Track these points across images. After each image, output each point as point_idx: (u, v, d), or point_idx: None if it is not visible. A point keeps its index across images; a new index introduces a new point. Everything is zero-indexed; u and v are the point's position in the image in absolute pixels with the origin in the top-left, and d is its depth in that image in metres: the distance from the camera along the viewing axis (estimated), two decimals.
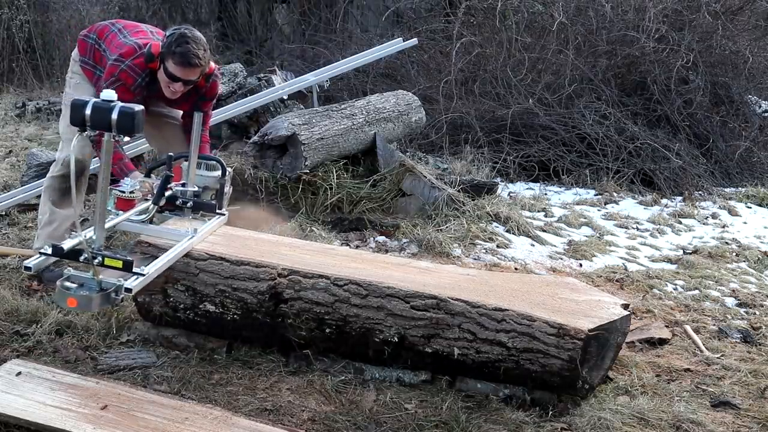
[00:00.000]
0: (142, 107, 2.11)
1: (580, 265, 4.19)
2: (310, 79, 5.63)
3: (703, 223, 5.40)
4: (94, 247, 2.20)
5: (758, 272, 4.37)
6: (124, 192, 2.68)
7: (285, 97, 5.57)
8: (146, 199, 2.72)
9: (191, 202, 2.83)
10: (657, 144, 6.33)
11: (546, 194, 5.76)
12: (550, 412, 2.45)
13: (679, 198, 5.97)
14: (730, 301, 3.80)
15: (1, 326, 2.78)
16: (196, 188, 2.87)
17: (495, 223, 4.52)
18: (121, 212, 2.64)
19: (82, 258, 2.18)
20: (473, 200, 4.74)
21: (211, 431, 2.16)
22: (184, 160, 2.91)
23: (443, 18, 8.09)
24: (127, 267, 2.19)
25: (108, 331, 2.80)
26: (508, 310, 2.46)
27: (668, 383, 2.77)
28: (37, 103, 7.47)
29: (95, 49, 3.26)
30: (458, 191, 4.71)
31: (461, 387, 2.57)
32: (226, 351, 2.69)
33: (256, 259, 2.62)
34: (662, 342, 3.14)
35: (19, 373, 2.36)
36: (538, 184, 5.99)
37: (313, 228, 4.02)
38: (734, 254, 4.65)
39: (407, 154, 5.44)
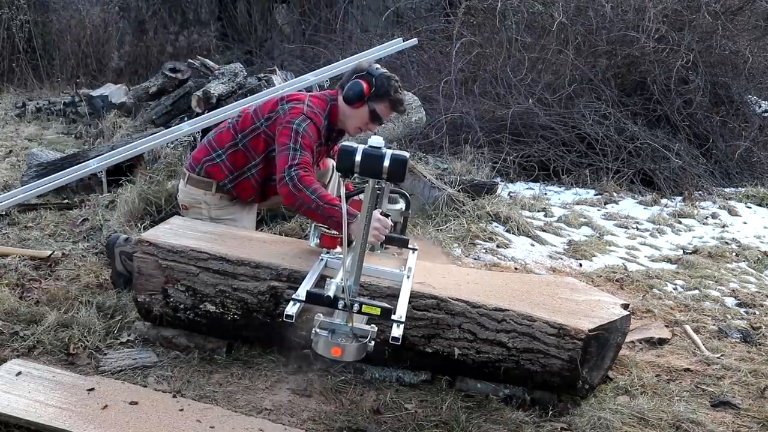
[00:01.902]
0: (408, 154, 2.11)
1: (580, 265, 4.19)
2: (310, 79, 5.62)
3: (703, 223, 5.40)
4: (351, 294, 2.17)
5: (758, 272, 4.37)
6: (329, 229, 2.69)
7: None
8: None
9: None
10: (657, 144, 6.33)
11: (546, 194, 5.76)
12: (550, 412, 2.45)
13: (679, 198, 5.98)
14: (730, 301, 3.81)
15: (1, 326, 2.78)
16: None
17: (495, 223, 4.52)
18: (325, 249, 2.66)
19: (340, 305, 2.14)
20: (473, 200, 4.74)
21: (212, 431, 2.16)
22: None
23: (443, 18, 8.10)
24: (386, 315, 2.15)
25: (108, 331, 2.80)
26: (508, 310, 2.46)
27: (668, 383, 2.77)
28: (37, 103, 7.48)
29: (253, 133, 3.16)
30: (458, 191, 4.71)
31: (461, 387, 2.57)
32: (226, 351, 2.69)
33: (256, 259, 2.62)
34: (662, 342, 3.14)
35: (19, 373, 2.36)
36: (538, 184, 6.00)
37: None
38: (734, 254, 4.65)
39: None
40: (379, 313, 2.13)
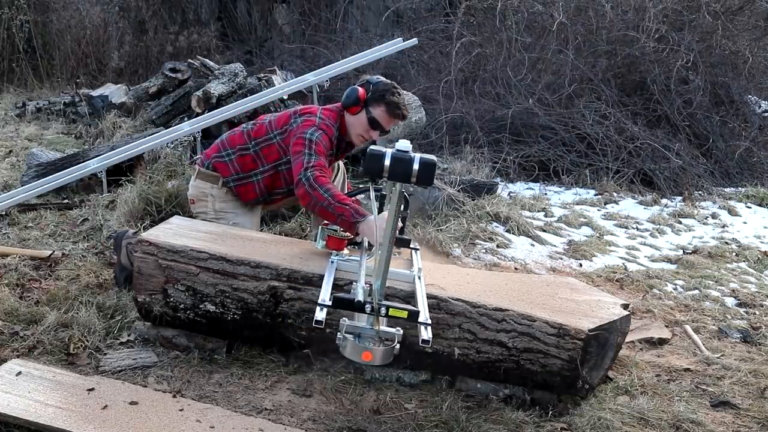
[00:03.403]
0: (436, 158, 2.09)
1: (580, 265, 4.19)
2: (310, 79, 5.63)
3: (703, 223, 5.40)
4: (378, 297, 2.17)
5: (758, 272, 4.37)
6: (336, 231, 2.70)
7: (285, 97, 5.57)
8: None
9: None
10: (657, 144, 6.33)
11: (546, 194, 5.76)
12: (550, 412, 2.45)
13: (679, 198, 5.98)
14: (730, 301, 3.80)
15: (1, 326, 2.78)
16: None
17: (495, 223, 4.52)
18: (334, 250, 2.67)
19: (367, 309, 2.13)
20: (473, 200, 4.74)
21: (212, 431, 2.16)
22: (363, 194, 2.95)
23: (443, 18, 8.09)
24: (413, 317, 2.14)
25: (108, 331, 2.80)
26: (508, 310, 2.46)
27: (668, 383, 2.77)
28: (37, 103, 7.47)
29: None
30: (458, 191, 4.71)
31: (461, 387, 2.57)
32: (226, 351, 2.69)
33: (256, 259, 2.62)
34: (662, 342, 3.14)
35: (19, 373, 2.37)
36: (538, 184, 6.00)
37: (313, 228, 4.02)
38: (734, 254, 4.65)
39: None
40: (406, 316, 2.13)
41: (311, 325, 2.48)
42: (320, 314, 2.18)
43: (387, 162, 2.01)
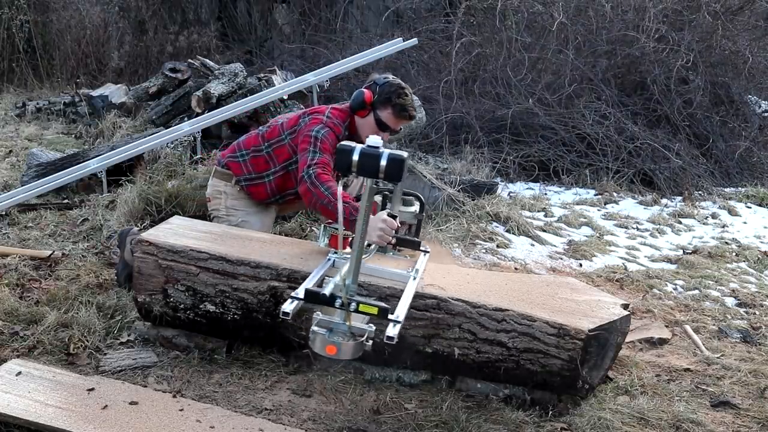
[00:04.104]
0: (407, 153, 2.10)
1: (580, 265, 4.19)
2: (310, 79, 5.63)
3: (703, 223, 5.40)
4: (349, 292, 2.16)
5: (758, 272, 4.37)
6: (338, 229, 2.67)
7: (285, 97, 5.57)
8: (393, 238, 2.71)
9: (394, 239, 2.77)
10: (657, 144, 6.33)
11: (546, 194, 5.76)
12: (550, 412, 2.45)
13: (679, 198, 5.98)
14: (730, 301, 3.80)
15: (1, 326, 2.78)
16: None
17: (495, 223, 4.53)
18: (334, 249, 2.67)
19: (337, 303, 2.13)
20: (473, 200, 4.75)
21: (212, 431, 2.16)
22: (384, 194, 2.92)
23: (443, 18, 8.10)
24: (383, 314, 2.13)
25: (108, 331, 2.80)
26: (508, 310, 2.46)
27: (668, 383, 2.77)
28: (37, 103, 7.47)
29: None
30: (458, 191, 4.71)
31: (461, 387, 2.57)
32: (226, 351, 2.69)
33: (256, 259, 2.62)
34: (662, 342, 3.14)
35: (19, 373, 2.37)
36: (538, 184, 6.00)
37: (313, 228, 4.02)
38: (734, 254, 4.65)
39: (409, 155, 5.43)
40: (376, 313, 2.12)
41: (311, 324, 2.48)
42: (288, 306, 2.19)
43: (355, 157, 2.03)
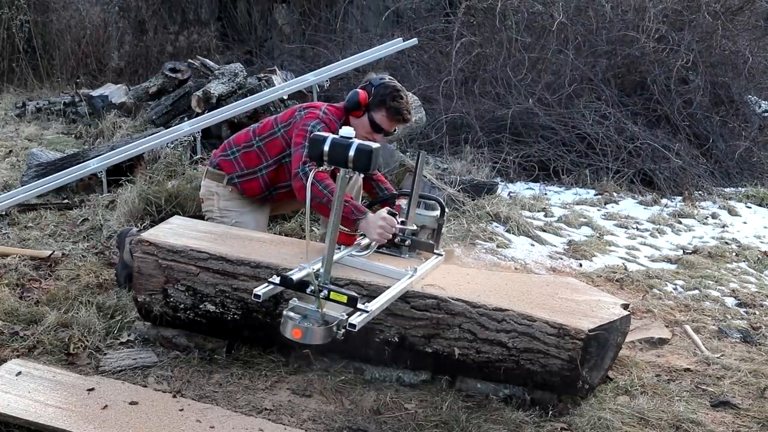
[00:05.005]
0: (378, 145, 2.13)
1: (580, 265, 4.19)
2: (310, 79, 5.63)
3: (703, 223, 5.40)
4: (322, 280, 2.19)
5: (758, 272, 4.37)
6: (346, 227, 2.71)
7: (285, 97, 5.57)
8: (394, 236, 2.74)
9: (409, 241, 2.81)
10: (657, 144, 6.33)
11: (546, 194, 5.76)
12: (550, 412, 2.45)
13: (679, 198, 5.98)
14: (730, 301, 3.80)
15: (1, 326, 2.78)
16: (415, 227, 2.84)
17: (495, 223, 4.53)
18: (343, 246, 2.69)
19: (308, 290, 2.17)
20: (473, 200, 4.75)
21: (212, 431, 2.16)
22: (404, 198, 2.94)
23: (443, 18, 8.10)
24: (352, 302, 2.16)
25: (108, 331, 2.80)
26: (508, 310, 2.46)
27: (668, 383, 2.77)
28: (37, 103, 7.47)
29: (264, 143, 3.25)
30: (458, 191, 4.71)
31: (461, 387, 2.57)
32: (226, 351, 2.69)
33: (256, 259, 2.62)
34: (662, 342, 3.14)
35: (19, 373, 2.37)
36: (538, 184, 6.00)
37: (313, 228, 4.02)
38: (734, 254, 4.65)
39: (407, 154, 5.44)
40: (345, 301, 2.15)
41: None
42: (261, 289, 2.25)
43: (326, 147, 2.10)
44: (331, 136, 2.11)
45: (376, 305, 2.27)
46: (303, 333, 2.13)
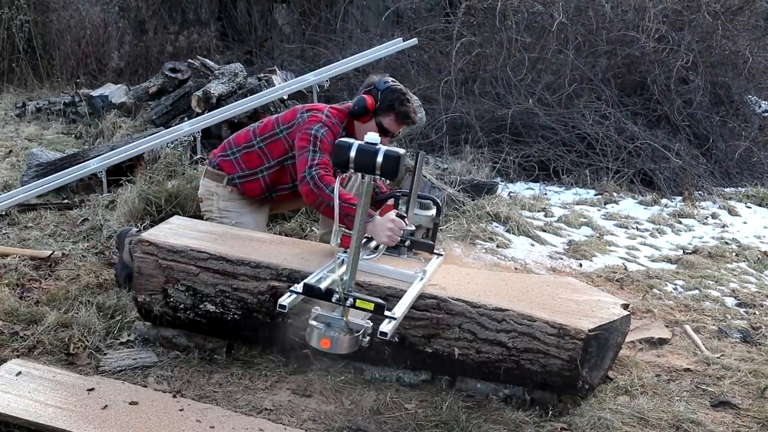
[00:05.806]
0: (404, 151, 2.12)
1: (580, 265, 4.19)
2: (310, 79, 5.63)
3: (703, 223, 5.40)
4: (346, 287, 2.18)
5: (758, 272, 4.37)
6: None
7: (285, 97, 5.57)
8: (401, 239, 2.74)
9: (408, 241, 2.81)
10: (657, 144, 6.33)
11: (546, 194, 5.76)
12: (550, 412, 2.45)
13: (679, 198, 5.98)
14: (730, 301, 3.80)
15: (1, 326, 2.78)
16: (413, 227, 2.84)
17: (495, 223, 4.53)
18: (345, 249, 2.65)
19: (334, 299, 2.15)
20: (473, 200, 4.75)
21: (212, 431, 2.16)
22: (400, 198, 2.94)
23: (443, 18, 8.09)
24: (379, 310, 2.14)
25: (108, 331, 2.80)
26: (508, 310, 2.46)
27: (668, 383, 2.77)
28: (37, 103, 7.47)
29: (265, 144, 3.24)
30: (458, 191, 4.71)
31: (461, 387, 2.57)
32: (226, 351, 2.69)
33: (257, 259, 2.62)
34: (662, 342, 3.14)
35: (19, 373, 2.37)
36: (538, 184, 6.00)
37: (313, 228, 4.02)
38: (734, 254, 4.65)
39: (407, 154, 5.44)
40: (372, 309, 2.14)
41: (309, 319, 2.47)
42: (286, 299, 2.21)
43: (353, 154, 2.07)
44: (357, 142, 2.08)
45: (400, 311, 2.26)
46: (332, 343, 2.12)
